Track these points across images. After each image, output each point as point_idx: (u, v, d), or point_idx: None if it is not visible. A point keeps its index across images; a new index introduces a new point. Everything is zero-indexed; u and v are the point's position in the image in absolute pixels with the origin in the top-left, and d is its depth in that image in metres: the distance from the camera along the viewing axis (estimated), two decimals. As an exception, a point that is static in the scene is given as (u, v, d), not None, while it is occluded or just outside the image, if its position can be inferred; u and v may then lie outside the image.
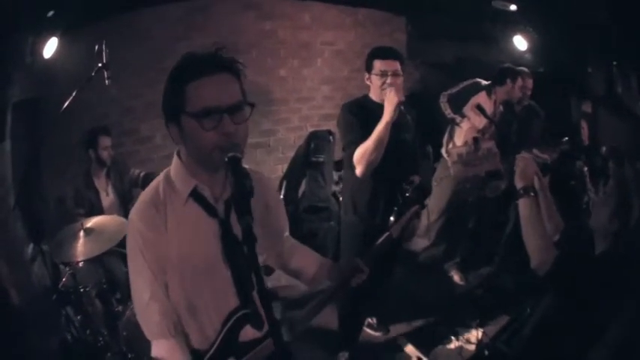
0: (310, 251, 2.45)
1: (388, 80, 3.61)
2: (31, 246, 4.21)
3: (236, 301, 1.97)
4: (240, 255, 1.83)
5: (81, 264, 3.99)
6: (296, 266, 2.39)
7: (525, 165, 2.72)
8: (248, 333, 2.00)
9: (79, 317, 4.00)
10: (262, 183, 2.11)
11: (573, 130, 5.55)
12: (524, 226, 2.59)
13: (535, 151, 3.01)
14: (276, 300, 2.14)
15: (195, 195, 1.89)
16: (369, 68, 3.74)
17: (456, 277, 5.64)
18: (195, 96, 1.71)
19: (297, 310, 2.22)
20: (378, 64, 3.67)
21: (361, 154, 3.50)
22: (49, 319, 4.01)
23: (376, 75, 3.66)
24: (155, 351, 1.91)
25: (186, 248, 1.86)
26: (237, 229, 1.76)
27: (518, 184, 2.65)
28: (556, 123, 5.64)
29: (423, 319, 4.85)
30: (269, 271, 4.99)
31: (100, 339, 3.89)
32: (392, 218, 3.49)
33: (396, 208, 3.52)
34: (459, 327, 4.63)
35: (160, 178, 1.94)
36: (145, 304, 1.88)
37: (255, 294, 1.91)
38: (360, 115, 3.64)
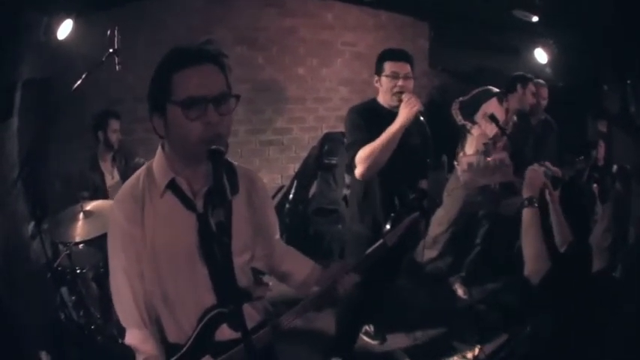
0: (302, 256, 2.45)
1: (400, 82, 3.59)
2: (32, 223, 4.31)
3: (213, 298, 1.98)
4: (218, 251, 1.85)
5: (80, 246, 4.12)
6: (286, 270, 2.38)
7: (533, 176, 2.85)
8: (225, 332, 2.00)
9: (73, 298, 4.07)
10: (251, 181, 2.13)
11: (588, 148, 5.48)
12: (524, 235, 2.71)
13: (547, 163, 3.08)
14: (250, 300, 2.07)
15: (173, 187, 1.91)
16: (379, 70, 3.72)
17: (460, 291, 5.64)
18: (181, 85, 1.75)
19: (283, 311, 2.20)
20: (389, 66, 3.65)
21: (366, 154, 3.45)
22: (45, 298, 4.12)
23: (387, 77, 3.64)
24: (128, 338, 1.95)
25: (162, 240, 1.89)
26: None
27: (525, 194, 2.78)
28: (573, 140, 5.68)
29: (422, 330, 4.82)
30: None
31: (93, 321, 3.97)
32: (387, 226, 3.41)
33: (392, 215, 3.43)
34: (457, 342, 4.61)
35: (143, 169, 1.98)
36: (120, 293, 1.93)
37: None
38: (368, 118, 3.63)
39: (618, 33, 4.50)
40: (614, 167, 4.14)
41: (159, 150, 1.95)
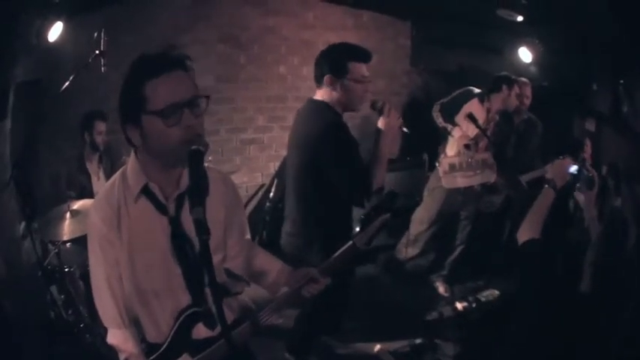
0: (272, 256, 2.54)
1: (368, 88, 3.40)
2: (23, 223, 4.47)
3: (188, 298, 2.09)
4: (190, 252, 2.01)
5: (68, 245, 4.32)
6: (257, 269, 2.47)
7: (560, 167, 3.23)
8: (201, 331, 2.13)
9: (62, 296, 4.25)
10: (222, 183, 2.22)
11: (575, 148, 5.67)
12: (534, 205, 3.09)
13: (588, 165, 3.35)
14: (229, 295, 2.13)
15: (147, 192, 2.00)
16: (340, 71, 3.32)
17: (441, 289, 5.79)
18: (155, 94, 1.81)
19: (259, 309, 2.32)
20: (357, 68, 3.33)
21: (381, 183, 3.34)
22: (36, 297, 4.30)
23: (356, 82, 3.33)
24: (110, 338, 2.09)
25: (137, 244, 2.00)
26: (187, 227, 1.97)
27: (548, 176, 3.19)
28: (557, 139, 5.82)
29: (403, 328, 4.92)
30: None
31: (81, 320, 4.14)
32: (357, 228, 3.60)
33: (362, 217, 3.56)
34: (438, 339, 4.72)
35: (118, 174, 2.06)
36: (100, 295, 2.04)
37: (207, 291, 2.06)
38: (342, 132, 3.35)
39: (611, 33, 4.62)
40: (604, 168, 4.39)
41: (132, 155, 2.04)
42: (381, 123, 3.33)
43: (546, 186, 3.11)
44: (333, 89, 3.35)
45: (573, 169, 3.22)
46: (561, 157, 3.34)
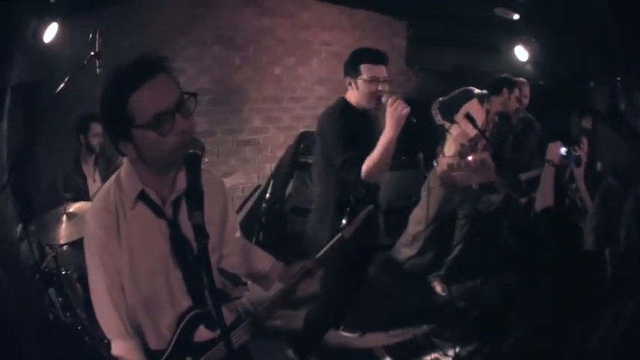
0: (263, 252, 2.58)
1: (380, 87, 3.64)
2: (20, 226, 4.48)
3: (189, 301, 2.09)
4: (190, 255, 2.00)
5: (65, 247, 4.33)
6: (249, 266, 2.51)
7: (553, 149, 3.88)
8: (203, 333, 2.13)
9: (60, 299, 4.28)
10: (213, 184, 2.21)
11: (570, 145, 5.70)
12: (542, 181, 3.81)
13: (577, 147, 3.68)
14: (228, 300, 2.14)
15: (143, 198, 1.97)
16: (354, 73, 3.71)
17: (438, 288, 5.83)
18: (142, 106, 1.77)
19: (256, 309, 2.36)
20: (367, 70, 3.65)
21: (372, 170, 3.50)
22: (34, 299, 4.30)
23: (366, 81, 3.65)
24: (115, 350, 2.04)
25: (137, 250, 1.97)
26: (186, 230, 1.96)
27: (547, 156, 3.91)
28: (554, 137, 5.85)
29: (401, 327, 4.99)
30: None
31: (79, 322, 4.15)
32: (344, 221, 3.59)
33: (348, 209, 3.63)
34: (436, 339, 4.77)
35: (112, 180, 2.03)
36: (102, 306, 1.99)
37: (207, 294, 2.05)
38: (351, 124, 3.65)
39: (610, 31, 4.66)
40: (599, 165, 4.49)
41: (126, 161, 2.00)
42: (388, 114, 3.47)
43: (547, 164, 3.75)
44: (352, 89, 3.77)
45: (563, 150, 3.80)
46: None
